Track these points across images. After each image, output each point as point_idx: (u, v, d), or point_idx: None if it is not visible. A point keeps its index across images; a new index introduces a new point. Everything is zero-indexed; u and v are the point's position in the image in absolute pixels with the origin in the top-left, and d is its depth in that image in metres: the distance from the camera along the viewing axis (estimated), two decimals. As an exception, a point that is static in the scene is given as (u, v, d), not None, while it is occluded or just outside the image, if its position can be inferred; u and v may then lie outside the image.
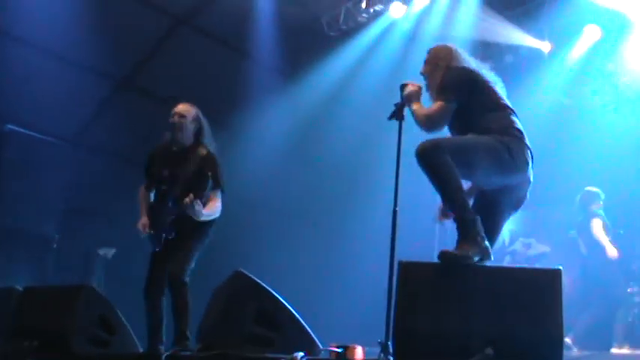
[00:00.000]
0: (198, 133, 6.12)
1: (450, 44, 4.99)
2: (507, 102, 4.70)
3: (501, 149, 4.42)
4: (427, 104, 4.72)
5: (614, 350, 8.29)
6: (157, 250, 5.99)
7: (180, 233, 5.88)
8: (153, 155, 6.27)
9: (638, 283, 8.78)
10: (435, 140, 4.33)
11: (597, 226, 8.87)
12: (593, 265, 8.87)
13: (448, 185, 4.27)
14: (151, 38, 10.70)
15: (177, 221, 5.85)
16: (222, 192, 6.01)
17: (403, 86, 4.81)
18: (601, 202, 9.09)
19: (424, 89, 4.81)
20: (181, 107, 6.13)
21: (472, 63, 4.85)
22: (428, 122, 4.59)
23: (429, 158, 4.25)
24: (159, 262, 5.99)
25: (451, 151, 4.27)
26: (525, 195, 4.67)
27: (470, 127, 4.56)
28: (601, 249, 8.75)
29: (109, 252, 10.90)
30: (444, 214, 4.78)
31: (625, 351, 8.18)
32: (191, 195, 5.62)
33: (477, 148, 4.41)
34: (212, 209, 5.89)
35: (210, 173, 5.90)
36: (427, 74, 4.88)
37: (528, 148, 4.54)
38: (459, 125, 4.64)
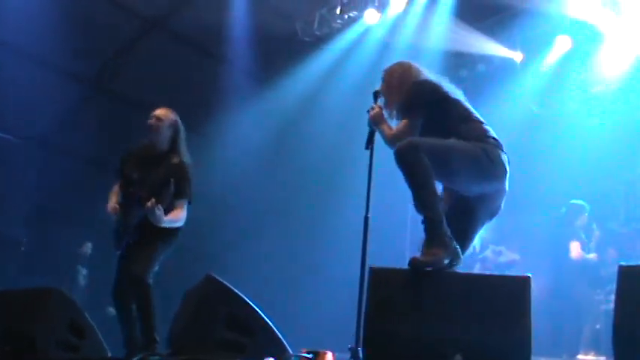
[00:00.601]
0: (174, 140, 6.08)
1: (405, 62, 4.97)
2: (476, 113, 4.70)
3: (481, 154, 4.43)
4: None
5: (581, 357, 8.36)
6: (119, 252, 5.96)
7: (144, 236, 5.83)
8: (126, 157, 6.22)
9: (605, 290, 8.84)
10: (415, 140, 4.35)
11: (574, 249, 9.05)
12: (569, 274, 9.03)
13: (421, 186, 4.27)
14: (124, 41, 10.65)
15: (141, 224, 5.81)
16: (189, 203, 5.97)
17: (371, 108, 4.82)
18: (586, 214, 9.22)
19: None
20: (160, 111, 6.09)
21: (431, 76, 4.84)
22: (396, 142, 4.53)
23: (406, 157, 4.26)
24: (124, 264, 5.96)
25: (429, 153, 4.27)
26: (500, 205, 4.68)
27: (442, 136, 4.52)
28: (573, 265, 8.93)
29: (87, 247, 10.88)
30: None
31: (590, 357, 8.24)
32: (153, 200, 5.57)
33: (455, 151, 4.41)
34: (175, 217, 5.84)
35: (178, 182, 5.82)
36: (383, 92, 4.88)
37: (506, 155, 4.55)
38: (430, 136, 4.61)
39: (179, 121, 6.12)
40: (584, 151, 9.57)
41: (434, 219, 4.26)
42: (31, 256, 10.88)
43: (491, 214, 4.71)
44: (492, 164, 4.45)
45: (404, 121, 4.63)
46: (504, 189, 4.61)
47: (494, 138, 4.56)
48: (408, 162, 4.26)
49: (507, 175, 4.55)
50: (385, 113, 4.79)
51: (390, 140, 4.61)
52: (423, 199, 4.29)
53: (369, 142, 4.76)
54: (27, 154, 11.04)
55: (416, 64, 4.91)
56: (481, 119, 4.67)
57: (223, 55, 10.78)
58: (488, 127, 4.62)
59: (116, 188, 6.20)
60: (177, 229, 5.99)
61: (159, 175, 5.87)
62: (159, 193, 5.70)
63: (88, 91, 11.12)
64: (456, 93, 4.76)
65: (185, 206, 5.93)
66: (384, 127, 4.70)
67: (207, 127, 10.58)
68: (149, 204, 5.56)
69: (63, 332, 5.53)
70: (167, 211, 5.72)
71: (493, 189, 4.59)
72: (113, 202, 6.05)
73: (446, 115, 4.61)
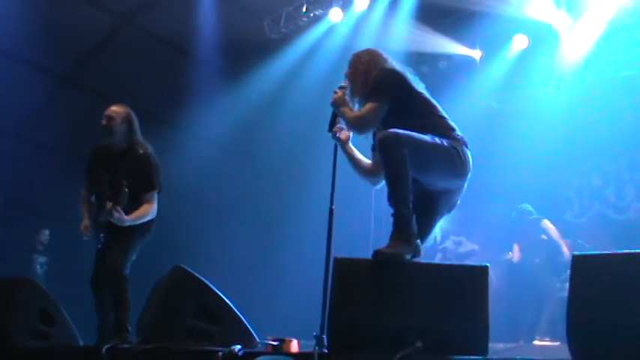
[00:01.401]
0: (130, 133, 5.96)
1: (373, 48, 4.93)
2: (440, 108, 4.69)
3: (455, 154, 4.45)
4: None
5: (537, 342, 8.47)
6: (99, 246, 5.90)
7: (120, 230, 5.75)
8: (93, 156, 6.12)
9: (561, 278, 8.94)
10: (397, 132, 4.30)
11: (549, 224, 9.24)
12: (527, 264, 9.15)
13: (398, 178, 4.26)
14: (95, 36, 10.55)
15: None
16: (159, 191, 5.92)
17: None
18: (532, 217, 9.36)
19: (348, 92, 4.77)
20: (111, 109, 5.95)
21: (397, 66, 4.80)
22: (359, 123, 4.57)
23: (389, 147, 4.26)
24: (102, 257, 5.91)
25: (409, 146, 4.26)
26: (458, 200, 4.71)
27: (408, 129, 4.47)
28: (542, 249, 9.11)
29: (44, 234, 10.78)
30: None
31: (546, 343, 8.36)
32: (109, 203, 5.54)
33: (434, 148, 4.40)
34: (143, 213, 5.77)
35: (144, 175, 5.80)
36: (349, 77, 4.81)
37: (470, 152, 4.58)
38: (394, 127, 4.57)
39: (132, 113, 5.97)
40: (540, 145, 9.69)
41: (405, 215, 4.26)
42: (3, 246, 10.70)
43: (450, 209, 4.73)
44: (462, 164, 4.49)
45: (370, 103, 4.57)
46: (464, 186, 4.64)
47: (460, 135, 4.57)
48: (391, 153, 4.25)
49: (470, 172, 4.59)
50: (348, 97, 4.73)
51: (353, 121, 4.60)
52: (397, 193, 4.28)
53: (332, 125, 4.73)
54: (1, 148, 10.91)
55: (384, 53, 4.86)
56: (445, 114, 4.67)
57: (192, 51, 10.73)
58: (452, 123, 4.62)
59: (84, 193, 6.10)
60: (151, 221, 5.93)
61: (124, 170, 5.79)
62: (128, 188, 5.62)
63: (60, 86, 10.99)
64: (420, 86, 4.73)
65: (154, 198, 5.87)
66: (346, 109, 4.65)
67: (177, 120, 10.54)
68: (108, 207, 5.53)
69: (34, 321, 5.52)
70: (133, 208, 5.68)
71: (457, 186, 4.62)
72: (86, 221, 5.96)
73: (411, 107, 4.59)
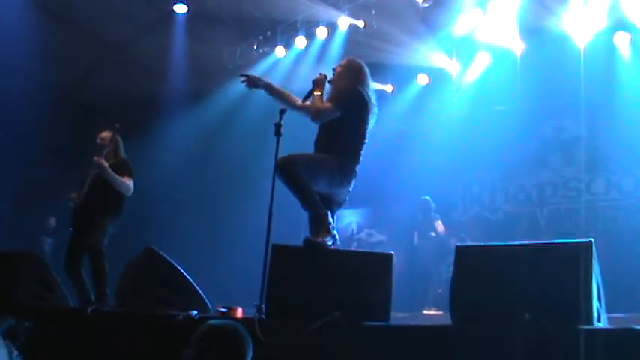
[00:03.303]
0: (116, 150, 6.08)
1: (364, 65, 4.80)
2: (367, 131, 4.63)
3: (337, 171, 4.44)
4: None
5: (425, 311, 8.57)
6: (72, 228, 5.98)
7: (95, 215, 5.81)
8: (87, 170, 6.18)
9: (447, 262, 9.04)
10: (291, 157, 4.29)
11: (440, 226, 9.35)
12: (422, 251, 9.26)
13: (302, 191, 4.27)
14: (88, 61, 10.38)
15: (90, 205, 5.86)
16: (131, 178, 5.94)
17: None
18: (433, 205, 9.47)
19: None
20: (103, 134, 6.07)
21: (370, 87, 4.73)
22: (317, 114, 4.49)
23: (285, 170, 4.25)
24: (77, 238, 5.91)
25: (303, 166, 4.27)
26: (346, 199, 4.68)
27: (335, 137, 4.49)
28: (433, 240, 9.23)
29: (52, 220, 10.69)
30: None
31: (433, 312, 8.47)
32: (98, 157, 5.73)
33: (320, 167, 4.40)
34: (121, 180, 5.83)
35: (120, 167, 5.92)
36: (335, 73, 4.71)
37: (357, 169, 4.56)
38: (329, 130, 4.54)
39: (117, 136, 6.08)
40: (435, 159, 9.84)
41: (319, 214, 4.29)
42: (11, 226, 10.73)
43: (340, 206, 4.69)
44: (341, 180, 4.48)
45: (331, 104, 4.50)
46: (349, 191, 4.61)
47: (360, 154, 4.57)
48: (287, 174, 4.24)
49: (353, 182, 4.56)
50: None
51: (314, 109, 4.51)
52: (305, 201, 4.30)
53: (306, 98, 4.63)
54: (12, 148, 10.70)
55: (367, 70, 4.76)
56: (366, 138, 4.62)
57: (165, 75, 10.60)
58: (364, 144, 4.59)
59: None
60: (122, 202, 5.95)
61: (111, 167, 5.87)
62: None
63: (59, 100, 10.76)
64: (373, 111, 4.66)
65: (131, 182, 5.91)
66: (318, 94, 4.55)
67: (150, 131, 10.37)
68: (96, 160, 5.68)
69: (35, 286, 5.45)
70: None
71: (339, 191, 4.58)
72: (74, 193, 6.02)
73: (351, 124, 4.53)
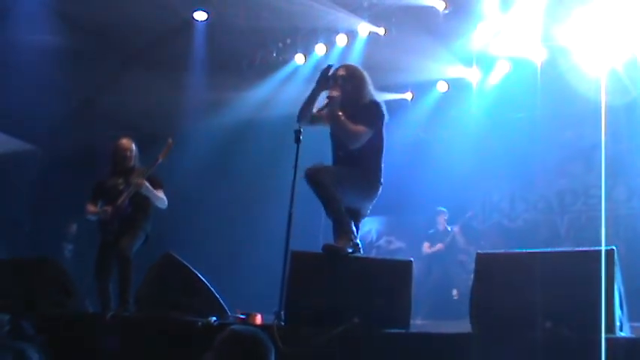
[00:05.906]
0: (135, 159, 6.16)
1: (358, 66, 4.79)
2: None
3: (365, 187, 4.51)
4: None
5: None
6: (109, 239, 5.95)
7: (130, 223, 5.88)
8: (106, 179, 6.23)
9: (467, 270, 8.99)
10: (319, 167, 4.33)
11: (426, 247, 9.66)
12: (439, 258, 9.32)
13: (329, 200, 4.29)
14: (110, 70, 10.48)
15: (126, 217, 5.90)
16: (162, 189, 6.03)
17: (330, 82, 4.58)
18: (446, 216, 9.57)
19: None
20: (126, 144, 6.13)
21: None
22: (355, 139, 4.44)
23: (315, 179, 4.27)
24: (111, 248, 5.91)
25: (330, 177, 4.29)
26: (368, 211, 4.71)
27: (361, 152, 4.48)
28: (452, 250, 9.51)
29: (73, 227, 10.79)
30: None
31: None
32: (140, 180, 5.79)
33: (348, 182, 4.41)
34: (159, 195, 5.95)
35: (153, 180, 5.98)
36: (340, 83, 4.58)
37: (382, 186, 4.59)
38: (348, 150, 4.52)
39: (134, 145, 6.19)
40: (455, 167, 9.79)
41: (342, 221, 4.31)
42: (32, 234, 10.80)
43: (363, 216, 4.72)
44: (370, 191, 4.54)
45: (365, 128, 4.42)
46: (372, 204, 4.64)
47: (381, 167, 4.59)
48: (316, 183, 4.26)
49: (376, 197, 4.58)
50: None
51: (351, 134, 4.42)
52: (331, 209, 4.31)
53: (323, 108, 4.55)
54: (32, 157, 10.84)
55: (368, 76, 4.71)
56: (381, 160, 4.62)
57: (185, 82, 10.65)
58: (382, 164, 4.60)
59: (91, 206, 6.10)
60: (151, 216, 6.06)
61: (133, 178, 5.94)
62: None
63: (78, 110, 10.86)
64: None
65: (162, 192, 6.02)
66: (346, 119, 4.44)
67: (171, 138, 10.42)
68: (138, 182, 5.77)
69: (55, 293, 5.45)
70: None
71: (366, 205, 4.63)
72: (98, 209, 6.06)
73: (376, 139, 4.54)
